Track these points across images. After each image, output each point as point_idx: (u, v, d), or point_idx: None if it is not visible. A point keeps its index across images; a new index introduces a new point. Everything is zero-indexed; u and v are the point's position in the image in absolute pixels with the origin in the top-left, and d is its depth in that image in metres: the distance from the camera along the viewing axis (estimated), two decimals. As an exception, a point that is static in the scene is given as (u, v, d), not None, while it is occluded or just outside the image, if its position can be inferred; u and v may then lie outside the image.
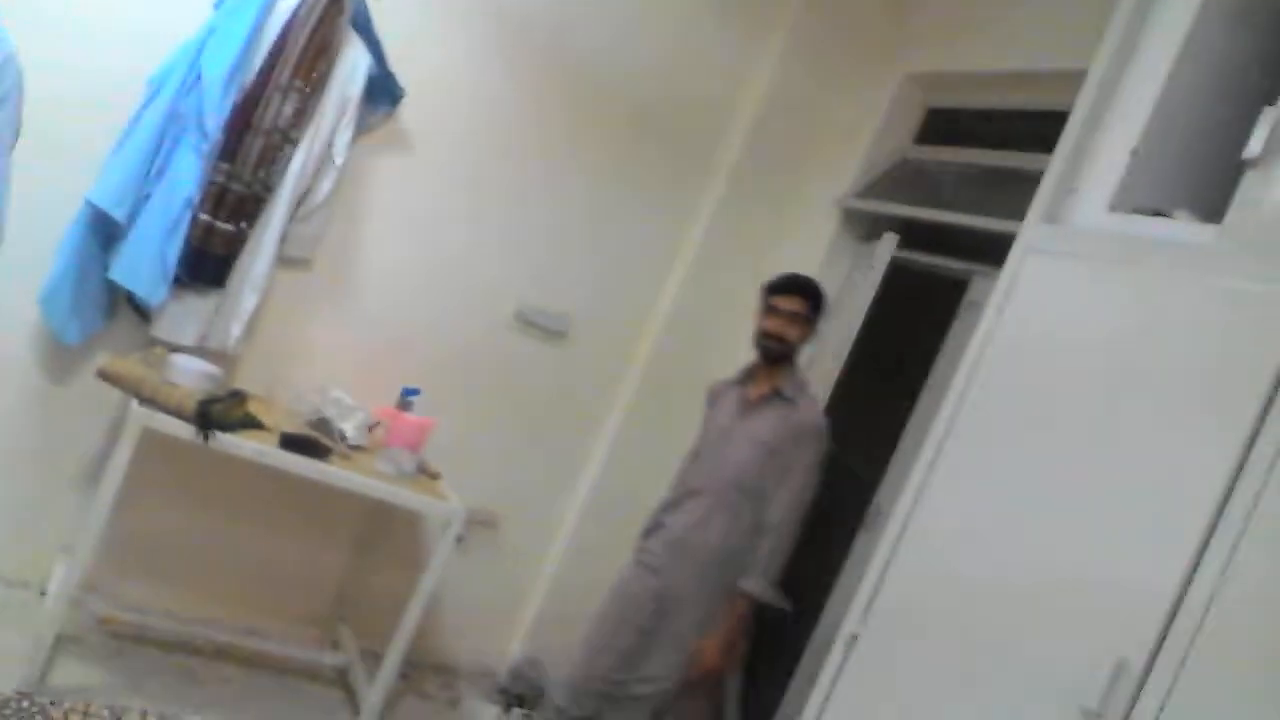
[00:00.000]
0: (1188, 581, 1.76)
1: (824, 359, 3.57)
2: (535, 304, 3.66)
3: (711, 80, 3.76)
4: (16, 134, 1.97)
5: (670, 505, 3.06)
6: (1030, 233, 2.40)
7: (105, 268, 2.85)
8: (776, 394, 2.99)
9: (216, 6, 2.89)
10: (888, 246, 3.45)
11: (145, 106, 2.79)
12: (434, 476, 3.20)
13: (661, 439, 3.57)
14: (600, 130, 3.64)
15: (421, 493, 3.01)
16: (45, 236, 2.80)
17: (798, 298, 2.99)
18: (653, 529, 3.08)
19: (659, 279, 3.85)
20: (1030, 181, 2.49)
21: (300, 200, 3.09)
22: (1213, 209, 2.08)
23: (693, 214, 3.84)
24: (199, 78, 2.80)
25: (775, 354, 3.00)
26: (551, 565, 3.84)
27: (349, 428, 3.06)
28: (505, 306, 3.62)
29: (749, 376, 3.09)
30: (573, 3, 3.49)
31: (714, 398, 3.18)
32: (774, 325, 2.99)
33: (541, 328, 3.69)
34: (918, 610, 2.28)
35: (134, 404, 2.67)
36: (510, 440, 3.73)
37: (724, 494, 2.95)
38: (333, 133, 3.07)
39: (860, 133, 3.80)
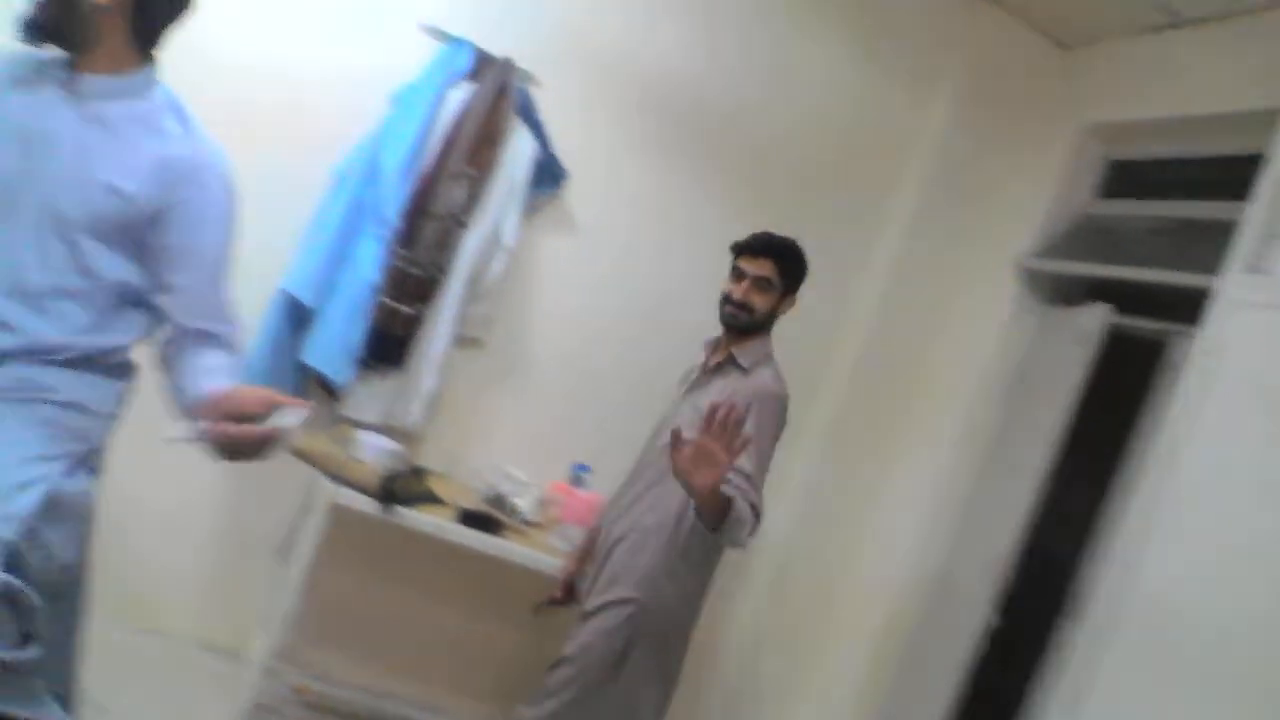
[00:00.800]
0: None
1: (1032, 438, 3.32)
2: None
3: (875, 142, 3.72)
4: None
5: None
6: (1233, 285, 2.24)
7: (297, 350, 3.02)
8: (730, 361, 2.58)
9: (392, 102, 3.07)
10: (1097, 317, 3.21)
11: (330, 198, 2.99)
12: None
13: (847, 510, 3.47)
14: (763, 197, 3.63)
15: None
16: (242, 321, 2.99)
17: (767, 260, 2.59)
18: None
19: (830, 347, 3.78)
20: (1226, 231, 2.33)
21: (474, 281, 3.21)
22: None
23: (863, 280, 3.77)
24: (378, 169, 2.97)
25: (740, 323, 2.59)
26: (731, 644, 3.76)
27: (523, 503, 3.10)
28: (673, 380, 3.62)
29: (712, 349, 2.70)
30: (730, 69, 3.54)
31: (683, 380, 2.81)
32: (738, 290, 2.59)
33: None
34: (1136, 711, 2.09)
35: (323, 480, 2.80)
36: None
37: (666, 471, 2.46)
38: (502, 215, 3.19)
39: (1037, 189, 3.65)
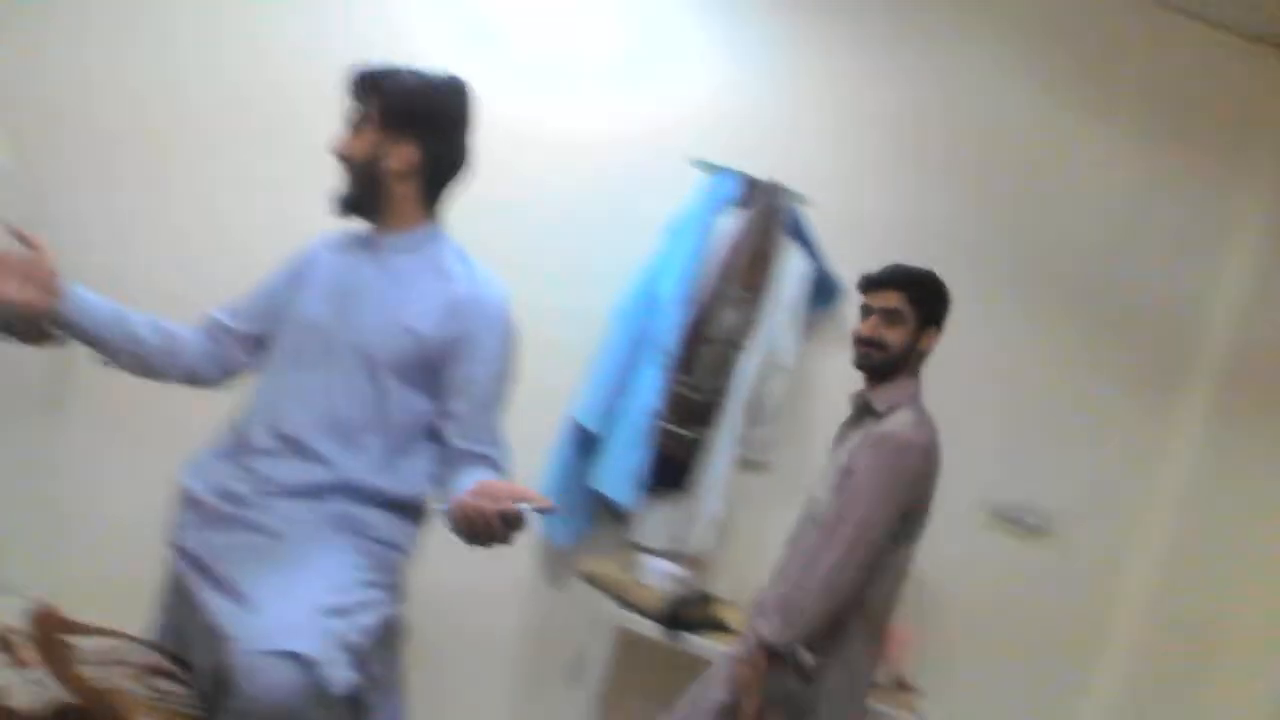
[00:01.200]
0: None
1: None
2: (1004, 499, 3.43)
3: (1179, 256, 3.48)
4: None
5: None
6: None
7: (586, 477, 3.13)
8: (867, 410, 2.40)
9: (665, 234, 3.19)
10: None
11: (613, 334, 3.12)
12: (909, 690, 2.99)
13: (1189, 668, 3.16)
14: (1055, 311, 3.47)
15: (897, 708, 2.82)
16: (536, 451, 3.13)
17: (892, 291, 2.40)
18: None
19: (1147, 473, 3.47)
20: None
21: (754, 403, 3.20)
22: None
23: (1187, 385, 3.45)
24: (655, 299, 3.09)
25: (873, 363, 2.41)
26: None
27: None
28: (960, 499, 3.40)
29: (854, 400, 2.53)
30: (1017, 177, 3.42)
31: None
32: (865, 327, 2.42)
33: (1018, 524, 3.40)
34: None
35: (611, 603, 2.84)
36: (993, 657, 3.42)
37: (806, 537, 2.39)
38: (779, 336, 3.19)
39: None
